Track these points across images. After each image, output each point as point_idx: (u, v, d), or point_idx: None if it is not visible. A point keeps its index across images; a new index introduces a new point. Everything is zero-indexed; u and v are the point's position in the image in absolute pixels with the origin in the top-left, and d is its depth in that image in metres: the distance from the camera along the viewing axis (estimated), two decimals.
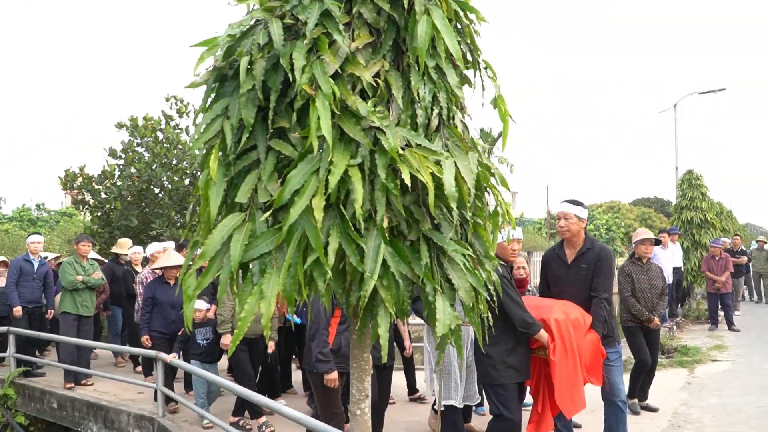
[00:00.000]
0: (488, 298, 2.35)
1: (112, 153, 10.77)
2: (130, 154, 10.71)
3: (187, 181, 10.91)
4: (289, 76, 2.09)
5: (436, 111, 2.32)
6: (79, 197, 11.17)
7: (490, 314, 2.61)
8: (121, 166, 10.80)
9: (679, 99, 18.08)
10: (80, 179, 10.84)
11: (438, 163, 2.20)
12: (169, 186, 10.78)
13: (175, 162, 10.93)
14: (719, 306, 11.99)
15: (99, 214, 10.82)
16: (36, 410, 7.75)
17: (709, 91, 17.21)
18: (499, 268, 3.99)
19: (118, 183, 10.65)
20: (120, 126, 11.01)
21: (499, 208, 2.44)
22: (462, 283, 2.27)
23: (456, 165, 2.26)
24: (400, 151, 2.14)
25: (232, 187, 2.21)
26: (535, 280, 6.26)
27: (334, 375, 4.40)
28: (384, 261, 2.10)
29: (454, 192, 2.17)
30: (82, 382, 7.65)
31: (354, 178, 2.04)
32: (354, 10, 2.27)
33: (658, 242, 6.68)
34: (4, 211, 33.44)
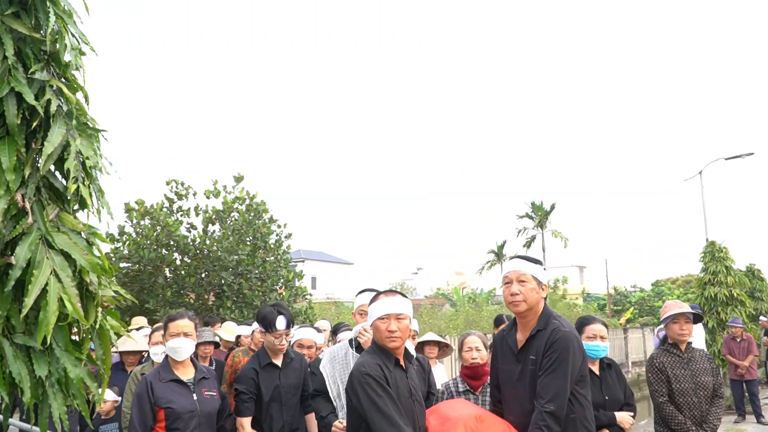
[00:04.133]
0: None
1: (110, 237, 11.46)
2: (124, 237, 11.35)
3: (178, 261, 11.39)
4: None
5: None
6: None
7: None
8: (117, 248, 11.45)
9: (704, 166, 16.95)
10: None
11: None
12: (165, 266, 11.28)
13: (171, 243, 11.47)
14: (744, 394, 10.70)
15: None
16: None
17: (736, 156, 16.03)
18: (370, 361, 2.92)
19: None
20: (128, 209, 11.73)
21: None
22: None
23: None
24: None
25: None
26: None
27: None
28: None
29: None
30: None
31: None
32: None
33: (698, 318, 4.57)
34: None
